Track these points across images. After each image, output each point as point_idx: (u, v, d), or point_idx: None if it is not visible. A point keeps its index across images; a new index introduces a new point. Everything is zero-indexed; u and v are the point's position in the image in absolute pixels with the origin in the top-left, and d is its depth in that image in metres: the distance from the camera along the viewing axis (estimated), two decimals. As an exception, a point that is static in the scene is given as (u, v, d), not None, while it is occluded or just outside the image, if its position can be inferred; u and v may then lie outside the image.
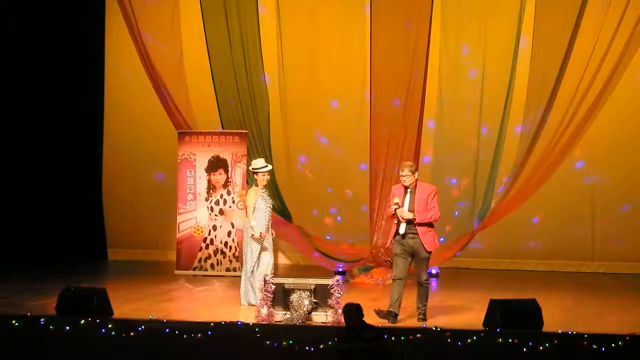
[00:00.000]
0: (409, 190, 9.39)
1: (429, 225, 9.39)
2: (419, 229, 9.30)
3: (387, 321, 9.15)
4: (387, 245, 9.70)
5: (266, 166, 10.39)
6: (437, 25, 13.34)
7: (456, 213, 13.63)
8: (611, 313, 10.11)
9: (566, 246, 13.86)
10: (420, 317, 9.51)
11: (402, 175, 9.38)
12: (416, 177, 9.44)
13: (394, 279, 9.42)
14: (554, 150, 12.53)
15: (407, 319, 9.51)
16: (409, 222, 9.28)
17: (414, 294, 9.65)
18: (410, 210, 9.29)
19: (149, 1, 14.02)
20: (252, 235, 10.17)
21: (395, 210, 9.32)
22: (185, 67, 13.85)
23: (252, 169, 10.47)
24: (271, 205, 10.42)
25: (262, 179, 10.33)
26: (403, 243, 9.33)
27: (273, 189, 13.70)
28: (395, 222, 9.37)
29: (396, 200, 9.31)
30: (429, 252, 9.40)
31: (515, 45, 12.90)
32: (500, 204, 12.92)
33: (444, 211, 12.98)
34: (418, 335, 8.21)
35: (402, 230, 9.29)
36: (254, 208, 10.24)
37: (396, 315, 9.30)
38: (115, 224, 14.99)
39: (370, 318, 8.51)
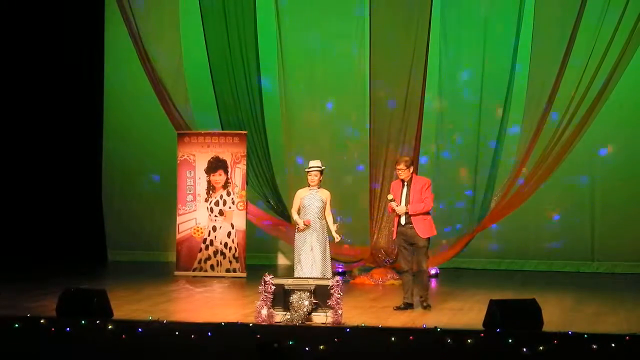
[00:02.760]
0: (405, 184, 10.11)
1: (424, 213, 10.10)
2: (414, 219, 10.04)
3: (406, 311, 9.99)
4: (394, 237, 10.39)
5: (310, 168, 10.27)
6: (437, 26, 13.34)
7: (456, 213, 13.64)
8: (611, 313, 10.10)
9: (566, 246, 13.87)
10: (424, 304, 10.11)
11: (397, 169, 10.17)
12: (411, 171, 10.13)
13: (401, 272, 10.30)
14: (554, 150, 12.53)
15: (408, 319, 9.53)
16: (407, 214, 10.04)
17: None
18: (407, 204, 10.03)
19: (148, 1, 14.03)
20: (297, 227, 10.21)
21: (390, 205, 10.11)
22: (184, 67, 13.86)
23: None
24: (316, 203, 10.21)
25: (309, 178, 10.27)
26: (403, 234, 10.10)
27: (272, 189, 13.72)
28: (395, 216, 10.15)
29: (390, 196, 10.11)
30: (427, 240, 10.10)
31: (515, 45, 12.91)
32: (500, 204, 12.92)
33: (445, 211, 13.07)
34: (418, 336, 8.21)
35: (402, 221, 10.07)
36: (299, 206, 10.23)
37: (411, 304, 10.11)
38: (115, 225, 15.00)
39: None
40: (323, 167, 10.31)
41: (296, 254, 10.21)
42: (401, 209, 10.02)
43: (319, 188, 10.27)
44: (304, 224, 10.10)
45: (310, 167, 10.25)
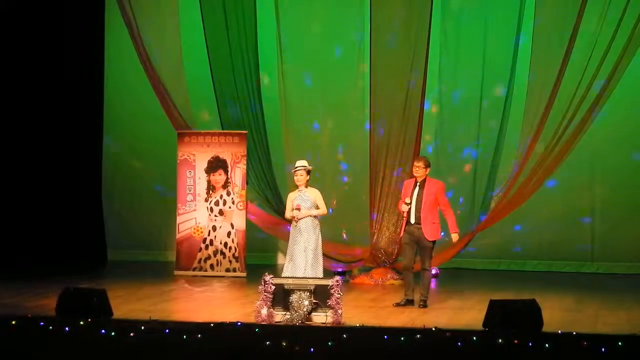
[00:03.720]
0: (418, 183, 10.22)
1: (434, 217, 10.32)
2: (423, 220, 10.23)
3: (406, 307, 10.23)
4: (401, 234, 10.59)
5: (295, 167, 10.24)
6: (438, 25, 13.35)
7: (456, 213, 13.63)
8: (611, 313, 10.11)
9: (565, 246, 13.87)
10: (421, 304, 10.26)
11: (416, 166, 10.33)
12: (427, 172, 10.32)
13: (403, 269, 10.50)
14: (554, 150, 12.53)
15: (408, 319, 9.53)
16: (417, 214, 10.20)
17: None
18: (419, 203, 10.19)
19: (148, 1, 14.02)
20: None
21: (401, 208, 10.31)
22: (184, 67, 13.85)
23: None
24: (304, 204, 10.15)
25: (295, 178, 10.24)
26: (410, 232, 10.26)
27: (272, 189, 13.72)
28: (405, 215, 10.33)
29: (407, 200, 10.23)
30: (432, 242, 10.27)
31: (515, 45, 12.92)
32: (500, 204, 12.92)
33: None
34: (418, 336, 8.21)
35: (412, 220, 10.21)
36: (291, 209, 10.19)
37: (412, 301, 10.30)
38: (115, 225, 14.99)
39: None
40: (310, 167, 10.27)
41: (289, 253, 10.19)
42: (455, 237, 10.35)
43: (306, 187, 10.24)
44: (296, 208, 10.07)
45: (296, 167, 10.21)
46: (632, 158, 13.66)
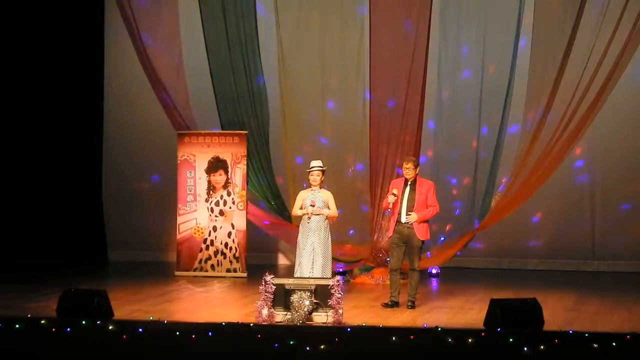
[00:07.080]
0: (409, 184, 10.19)
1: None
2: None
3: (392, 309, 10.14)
4: (390, 234, 10.38)
5: (311, 167, 10.28)
6: (437, 25, 13.35)
7: (456, 212, 13.66)
8: (612, 312, 10.11)
9: (566, 245, 13.87)
10: (409, 304, 10.14)
11: (405, 168, 10.25)
12: (417, 172, 10.27)
13: (390, 270, 10.37)
14: (554, 150, 12.52)
15: (408, 318, 9.53)
16: (408, 213, 10.15)
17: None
18: (410, 202, 10.15)
19: (148, 2, 14.02)
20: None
21: (387, 200, 10.21)
22: (184, 67, 13.85)
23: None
24: (317, 203, 10.18)
25: (311, 178, 10.27)
26: (400, 232, 10.20)
27: (272, 189, 13.73)
28: (392, 212, 10.28)
29: (395, 191, 10.16)
30: (421, 242, 10.22)
31: (515, 45, 12.91)
32: (500, 203, 12.92)
33: (445, 211, 13.06)
34: (419, 335, 8.21)
35: (403, 219, 10.16)
36: (301, 206, 10.23)
37: (397, 303, 10.20)
38: (115, 225, 15.00)
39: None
40: (324, 167, 10.31)
41: (298, 253, 10.21)
42: (412, 217, 10.08)
43: (320, 189, 10.27)
44: (311, 205, 10.10)
45: (312, 167, 10.26)
46: (633, 156, 13.65)
